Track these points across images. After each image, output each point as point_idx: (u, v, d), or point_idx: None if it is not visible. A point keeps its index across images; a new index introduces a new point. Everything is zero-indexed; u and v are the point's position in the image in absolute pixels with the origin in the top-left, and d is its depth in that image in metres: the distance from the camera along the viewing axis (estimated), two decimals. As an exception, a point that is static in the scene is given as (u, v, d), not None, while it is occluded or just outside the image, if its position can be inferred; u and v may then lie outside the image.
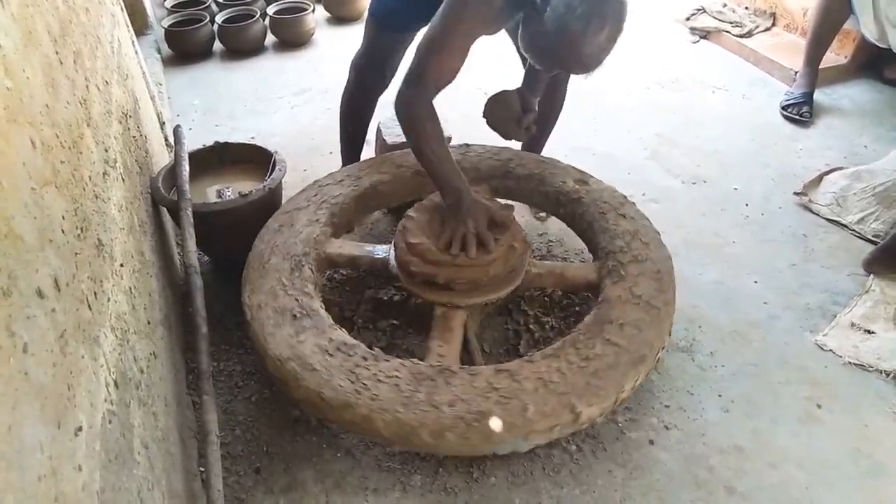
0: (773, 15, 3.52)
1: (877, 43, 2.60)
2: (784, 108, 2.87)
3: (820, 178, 2.37)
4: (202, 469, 1.42)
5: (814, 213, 2.29)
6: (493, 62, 2.54)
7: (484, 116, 1.87)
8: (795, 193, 2.35)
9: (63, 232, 0.88)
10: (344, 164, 2.19)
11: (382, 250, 1.71)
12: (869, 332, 1.79)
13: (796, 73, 2.97)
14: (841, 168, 2.40)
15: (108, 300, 1.04)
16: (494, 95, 1.85)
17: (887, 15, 2.45)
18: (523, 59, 1.87)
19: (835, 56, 3.13)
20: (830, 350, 1.77)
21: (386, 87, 2.02)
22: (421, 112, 1.53)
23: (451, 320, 1.54)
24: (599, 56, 1.38)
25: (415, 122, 1.54)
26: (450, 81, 1.55)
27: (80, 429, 0.76)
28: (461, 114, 2.37)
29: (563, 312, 1.86)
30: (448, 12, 1.48)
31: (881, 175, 2.27)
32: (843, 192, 2.28)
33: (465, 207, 1.54)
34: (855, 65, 3.12)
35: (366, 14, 1.91)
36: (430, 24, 1.51)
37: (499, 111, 1.85)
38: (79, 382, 0.80)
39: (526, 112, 1.84)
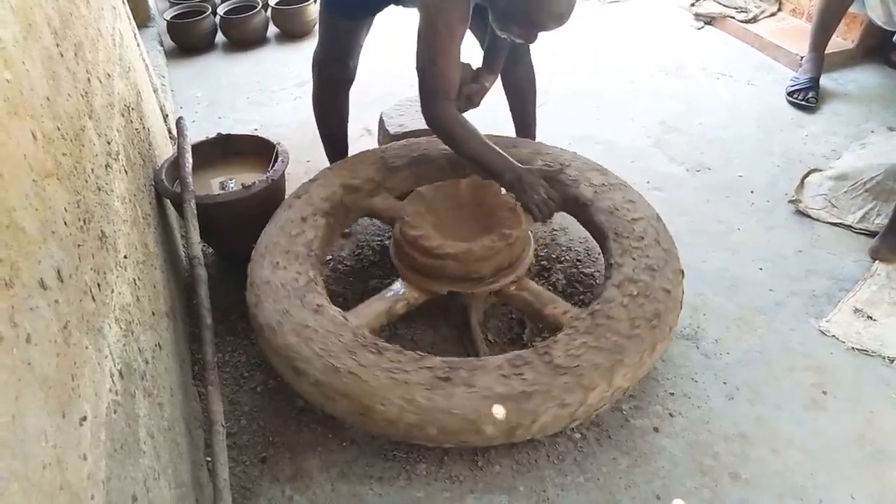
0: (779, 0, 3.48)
1: (884, 27, 2.57)
2: (790, 93, 2.84)
3: (802, 182, 2.31)
4: (208, 459, 1.43)
5: (813, 218, 2.19)
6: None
7: None
8: (790, 202, 2.27)
9: (65, 223, 0.88)
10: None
11: None
12: (871, 318, 1.78)
13: (802, 58, 2.93)
14: (818, 170, 2.35)
15: (112, 291, 1.04)
16: None
17: (894, -2, 2.42)
18: (481, 42, 1.91)
19: (841, 41, 3.10)
20: (834, 336, 1.76)
21: (352, 78, 1.98)
22: (446, 121, 1.66)
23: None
24: (571, 2, 1.48)
25: (445, 131, 1.68)
26: (456, 81, 1.64)
27: (84, 418, 0.76)
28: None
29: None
30: (426, 24, 1.56)
31: (867, 170, 2.22)
32: (833, 193, 2.22)
33: (525, 180, 1.68)
34: (862, 49, 3.08)
35: (318, 7, 1.88)
36: (417, 42, 1.59)
37: None
38: (83, 373, 0.80)
39: (473, 82, 1.88)
